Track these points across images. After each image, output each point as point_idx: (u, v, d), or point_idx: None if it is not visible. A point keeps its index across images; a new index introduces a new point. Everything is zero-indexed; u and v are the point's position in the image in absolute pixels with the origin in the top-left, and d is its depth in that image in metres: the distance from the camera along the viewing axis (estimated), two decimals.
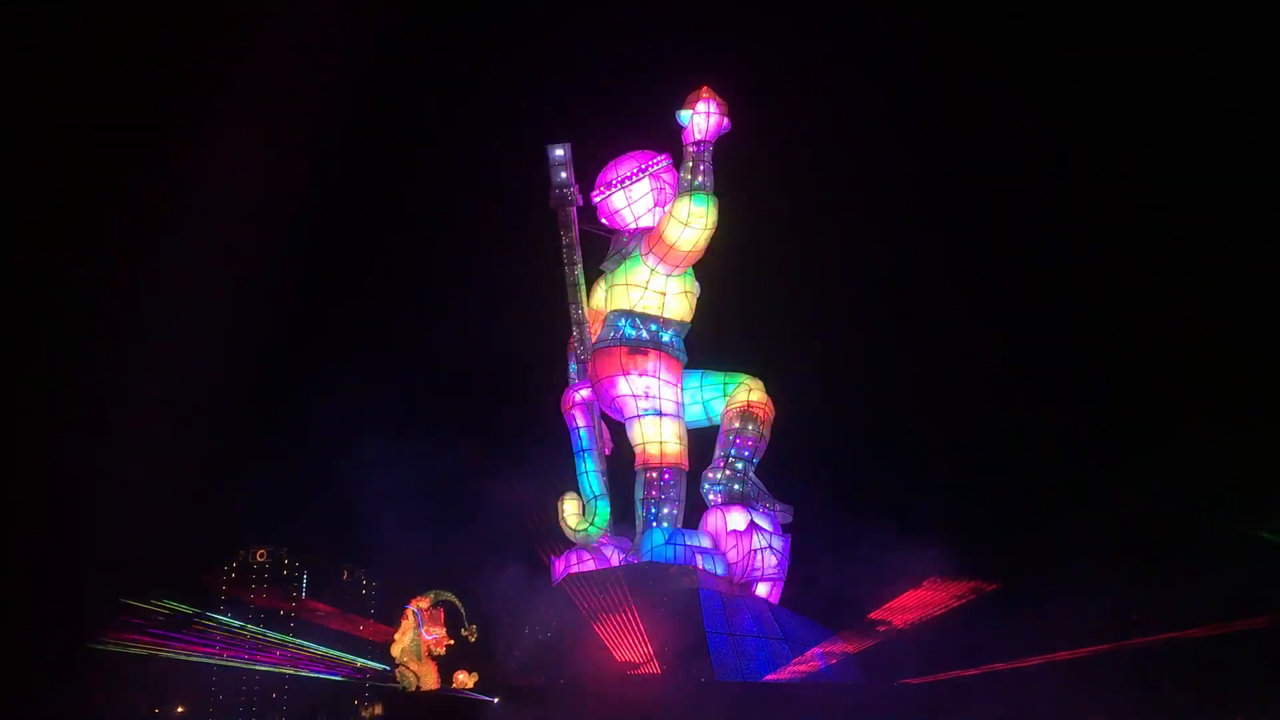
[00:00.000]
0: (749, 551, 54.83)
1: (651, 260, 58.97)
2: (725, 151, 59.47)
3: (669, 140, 60.42)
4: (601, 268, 63.87)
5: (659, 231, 58.35)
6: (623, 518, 60.58)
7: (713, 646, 50.65)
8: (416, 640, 57.66)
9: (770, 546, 55.36)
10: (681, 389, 60.56)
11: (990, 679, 52.22)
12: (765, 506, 57.43)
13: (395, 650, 58.04)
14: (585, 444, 61.82)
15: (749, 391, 59.29)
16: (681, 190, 57.93)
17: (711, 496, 57.78)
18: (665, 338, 59.97)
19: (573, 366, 63.71)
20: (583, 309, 64.00)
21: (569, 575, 59.53)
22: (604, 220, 64.09)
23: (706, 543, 56.24)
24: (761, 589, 56.33)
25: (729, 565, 55.40)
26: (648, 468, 59.21)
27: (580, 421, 62.21)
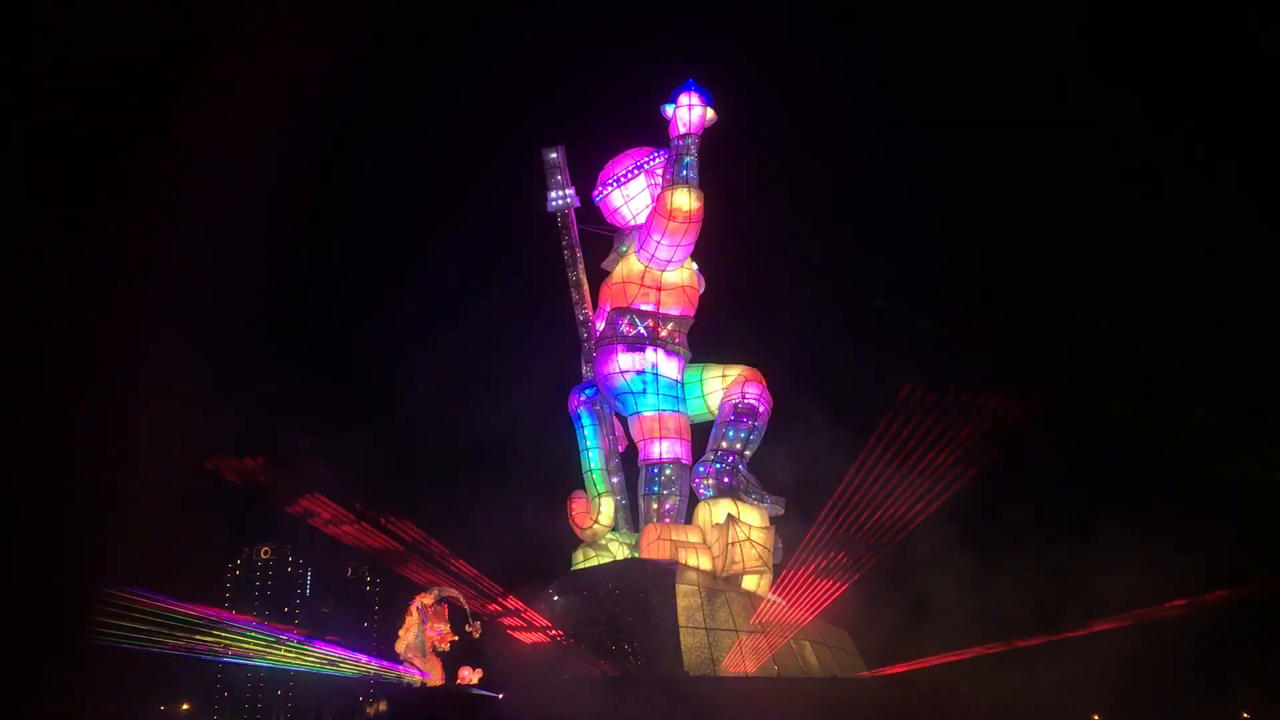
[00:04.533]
0: (729, 544, 55.00)
1: (644, 256, 59.29)
2: (723, 143, 60.17)
3: (666, 135, 60.78)
4: (603, 266, 64.33)
5: (646, 227, 58.74)
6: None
7: (686, 642, 50.91)
8: (421, 636, 58.01)
9: (750, 539, 55.33)
10: (682, 383, 60.89)
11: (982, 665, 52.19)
12: (755, 499, 57.60)
13: (400, 646, 58.39)
14: (591, 442, 62.26)
15: (744, 383, 59.37)
16: (665, 184, 58.30)
17: (701, 490, 57.98)
18: (663, 333, 60.30)
19: (584, 365, 64.24)
20: (587, 308, 64.41)
21: (567, 573, 60.00)
22: (607, 219, 64.61)
23: (696, 537, 56.52)
24: (749, 582, 56.12)
25: (713, 559, 55.67)
26: (649, 463, 59.74)
27: (586, 419, 62.65)
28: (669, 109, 58.75)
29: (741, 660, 51.60)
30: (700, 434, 60.93)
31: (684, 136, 58.13)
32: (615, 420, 63.08)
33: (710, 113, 58.69)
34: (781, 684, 51.32)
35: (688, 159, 57.71)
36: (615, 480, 61.99)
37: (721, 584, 54.97)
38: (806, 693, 50.25)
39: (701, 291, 62.31)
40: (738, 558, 55.06)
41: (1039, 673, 54.55)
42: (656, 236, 57.96)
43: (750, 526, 55.88)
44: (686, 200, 56.95)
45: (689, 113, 58.19)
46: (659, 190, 59.47)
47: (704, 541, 56.28)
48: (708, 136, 58.91)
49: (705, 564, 55.39)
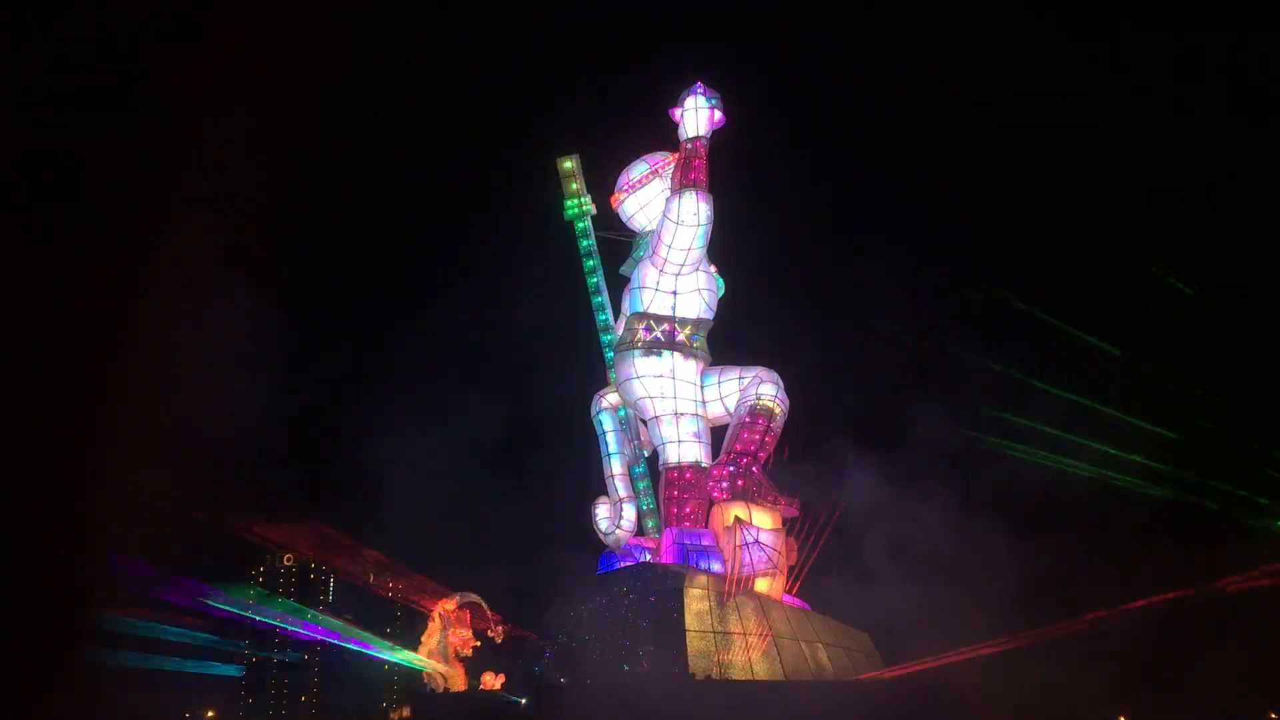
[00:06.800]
0: (737, 547, 54.94)
1: (657, 261, 59.25)
2: (734, 144, 60.12)
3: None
4: (621, 272, 64.45)
5: (659, 232, 58.88)
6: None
7: (692, 646, 51.05)
8: (444, 642, 58.44)
9: (757, 541, 55.08)
10: (701, 387, 60.81)
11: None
12: (768, 501, 57.42)
13: (423, 652, 58.84)
14: (612, 448, 62.36)
15: (760, 385, 59.15)
16: (674, 188, 58.41)
17: (715, 493, 57.86)
18: (680, 337, 60.20)
19: (611, 374, 64.37)
20: (607, 315, 64.48)
21: (586, 578, 60.13)
22: (625, 224, 64.79)
23: (709, 540, 56.63)
24: (761, 585, 55.93)
25: (724, 562, 55.59)
26: (668, 467, 59.74)
27: (607, 426, 62.74)
28: (677, 113, 58.88)
29: (749, 664, 51.67)
30: (720, 436, 60.90)
31: (692, 140, 58.30)
32: (639, 425, 63.12)
33: (719, 115, 58.76)
34: (787, 687, 51.31)
35: (695, 163, 57.84)
36: (639, 485, 62.10)
37: (735, 587, 54.93)
38: (812, 695, 50.28)
39: (720, 295, 62.22)
40: (746, 560, 55.00)
41: (1063, 669, 54.25)
42: (668, 241, 58.05)
43: (759, 529, 55.77)
44: (694, 204, 57.07)
45: (696, 116, 58.38)
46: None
47: (717, 545, 56.32)
48: (719, 137, 59.00)
49: (717, 567, 55.47)
